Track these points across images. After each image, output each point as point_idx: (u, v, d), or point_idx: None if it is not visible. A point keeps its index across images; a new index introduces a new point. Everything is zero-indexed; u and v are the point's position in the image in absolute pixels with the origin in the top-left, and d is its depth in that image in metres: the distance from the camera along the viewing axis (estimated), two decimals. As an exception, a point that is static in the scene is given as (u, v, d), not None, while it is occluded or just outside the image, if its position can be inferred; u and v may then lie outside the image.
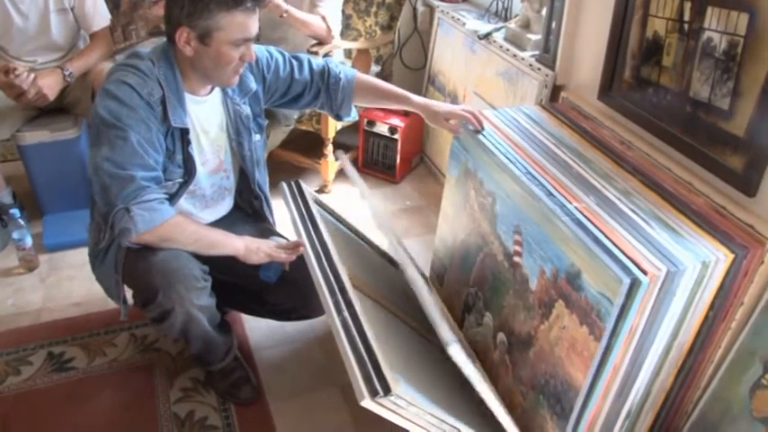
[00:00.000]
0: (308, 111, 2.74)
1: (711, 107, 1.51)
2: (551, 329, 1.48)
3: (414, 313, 1.83)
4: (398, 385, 1.19)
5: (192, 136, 1.66)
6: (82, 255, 2.34)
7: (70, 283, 2.37)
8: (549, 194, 1.50)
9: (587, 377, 1.38)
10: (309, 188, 1.91)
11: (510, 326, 1.67)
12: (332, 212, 2.00)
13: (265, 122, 1.90)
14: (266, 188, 1.97)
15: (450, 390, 1.57)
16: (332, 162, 2.94)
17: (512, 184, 1.61)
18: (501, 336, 1.72)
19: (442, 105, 1.85)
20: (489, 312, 1.78)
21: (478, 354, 1.85)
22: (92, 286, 2.18)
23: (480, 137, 1.78)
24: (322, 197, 2.40)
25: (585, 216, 1.42)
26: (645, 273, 1.25)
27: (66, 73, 2.44)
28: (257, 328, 2.16)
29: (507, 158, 1.67)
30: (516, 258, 1.61)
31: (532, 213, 1.52)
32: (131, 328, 2.16)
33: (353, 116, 2.00)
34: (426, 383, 1.42)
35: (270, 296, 1.90)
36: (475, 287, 1.86)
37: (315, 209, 1.78)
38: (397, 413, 1.24)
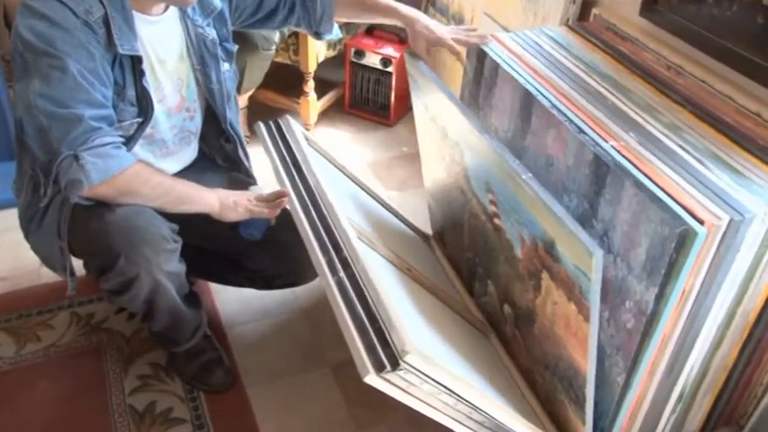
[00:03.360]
0: (284, 30, 2.68)
1: (794, 16, 1.47)
2: (545, 304, 1.48)
3: (429, 273, 1.84)
4: (409, 357, 1.18)
5: (145, 66, 1.61)
6: (3, 218, 2.31)
7: (-11, 254, 2.33)
8: (580, 131, 1.48)
9: (588, 362, 1.38)
10: (299, 125, 1.89)
11: (511, 297, 1.67)
12: (329, 157, 2.00)
13: (234, 48, 1.87)
14: (239, 128, 1.95)
15: (480, 362, 1.58)
16: (313, 101, 2.91)
17: (469, 135, 1.58)
18: (506, 307, 1.73)
19: (436, 28, 1.83)
20: (491, 281, 1.78)
21: (493, 325, 1.86)
22: (19, 256, 2.19)
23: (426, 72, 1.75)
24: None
25: (624, 156, 1.39)
26: (701, 222, 1.22)
27: None
28: (230, 300, 2.15)
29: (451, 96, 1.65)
30: (497, 221, 1.60)
31: (495, 169, 1.50)
32: (72, 306, 2.12)
33: (336, 34, 2.01)
34: (449, 353, 1.43)
35: (249, 261, 1.90)
36: (471, 252, 1.86)
37: (307, 150, 1.77)
38: (407, 391, 1.24)
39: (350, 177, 2.05)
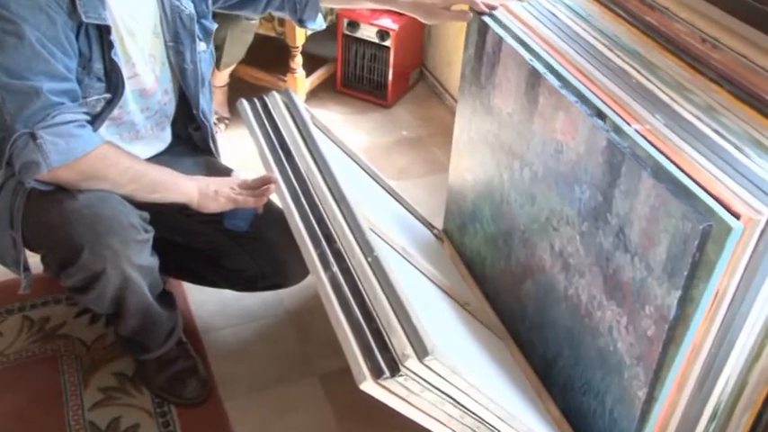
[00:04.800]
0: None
1: None
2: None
3: (441, 271, 1.85)
4: (410, 362, 1.18)
5: (114, 37, 1.61)
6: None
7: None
8: (599, 114, 1.47)
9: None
10: (300, 100, 1.91)
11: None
12: (334, 138, 2.02)
13: (214, 27, 1.88)
14: (211, 116, 1.96)
15: (494, 368, 1.59)
16: (301, 79, 2.92)
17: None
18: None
19: None
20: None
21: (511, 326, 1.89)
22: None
23: None
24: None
25: (649, 141, 1.38)
26: (737, 216, 1.22)
27: None
28: (206, 302, 2.15)
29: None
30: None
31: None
32: (24, 309, 2.11)
33: (319, 24, 2.05)
34: (460, 359, 1.42)
35: (228, 260, 1.90)
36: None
37: (313, 131, 1.79)
38: (407, 401, 1.24)
39: (354, 159, 2.07)
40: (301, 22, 1.99)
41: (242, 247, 1.85)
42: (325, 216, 1.53)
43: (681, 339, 1.33)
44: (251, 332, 2.08)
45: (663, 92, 1.54)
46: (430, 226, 2.19)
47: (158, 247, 1.69)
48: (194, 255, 1.92)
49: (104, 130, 1.68)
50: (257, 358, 2.00)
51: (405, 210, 2.14)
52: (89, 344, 2.02)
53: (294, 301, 2.14)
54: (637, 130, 1.41)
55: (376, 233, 1.55)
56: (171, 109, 1.85)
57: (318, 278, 1.39)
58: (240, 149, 2.21)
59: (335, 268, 1.40)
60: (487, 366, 1.58)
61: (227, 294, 2.07)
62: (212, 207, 1.69)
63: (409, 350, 1.19)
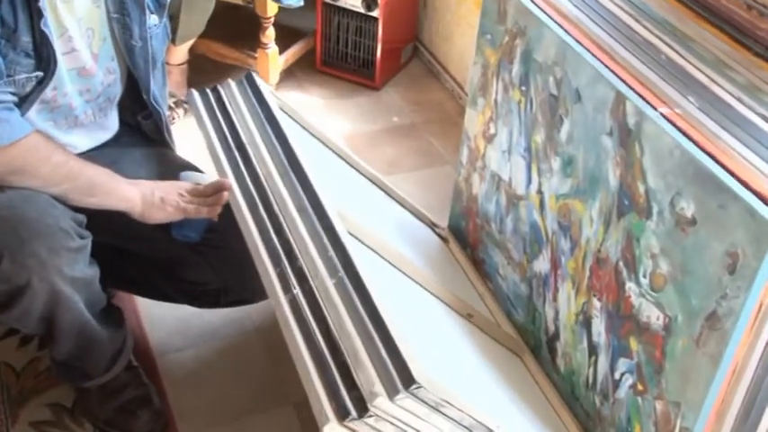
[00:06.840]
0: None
1: None
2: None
3: (445, 279, 1.88)
4: (379, 401, 1.19)
5: (44, 5, 1.60)
6: None
7: None
8: (621, 97, 1.47)
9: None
10: (264, 84, 1.91)
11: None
12: (307, 125, 2.03)
13: None
14: (164, 102, 1.97)
15: (499, 394, 1.61)
16: (273, 55, 2.93)
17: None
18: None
19: None
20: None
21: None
22: None
23: None
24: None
25: (677, 127, 1.38)
26: None
27: None
28: (161, 319, 2.15)
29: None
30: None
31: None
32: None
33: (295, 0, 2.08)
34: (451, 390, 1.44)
35: (186, 271, 1.90)
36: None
37: (281, 117, 1.81)
38: None
39: (336, 152, 2.07)
40: None
41: (203, 256, 1.85)
42: (285, 228, 1.53)
43: (718, 359, 1.32)
44: (214, 353, 2.09)
45: (698, 69, 1.54)
46: (432, 224, 2.20)
47: (103, 254, 1.69)
48: (147, 264, 1.92)
49: (35, 115, 1.68)
50: (221, 384, 2.01)
51: (401, 207, 2.15)
52: (18, 370, 2.02)
53: (264, 314, 2.14)
54: (663, 114, 1.40)
55: (358, 238, 1.56)
56: (116, 92, 1.85)
57: (277, 302, 1.39)
58: (201, 139, 2.19)
59: (297, 290, 1.40)
60: (492, 389, 1.59)
61: (186, 310, 2.06)
62: (158, 217, 1.70)
63: (378, 387, 1.19)
